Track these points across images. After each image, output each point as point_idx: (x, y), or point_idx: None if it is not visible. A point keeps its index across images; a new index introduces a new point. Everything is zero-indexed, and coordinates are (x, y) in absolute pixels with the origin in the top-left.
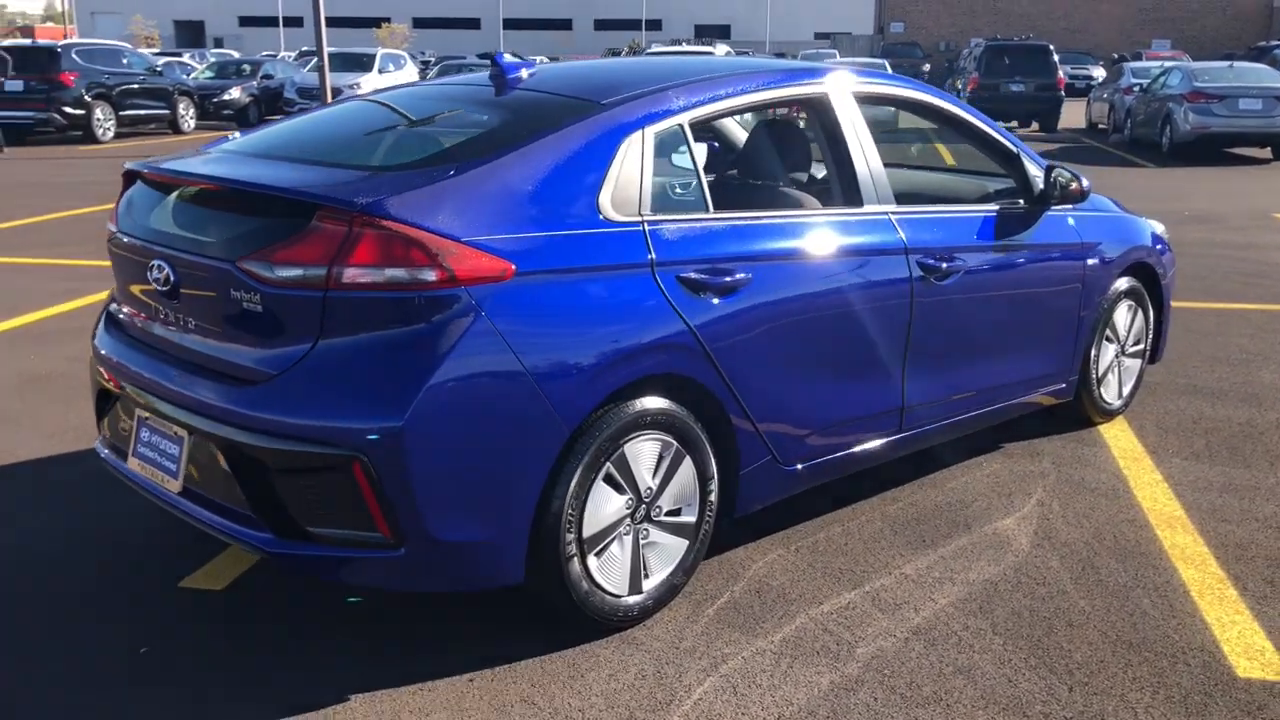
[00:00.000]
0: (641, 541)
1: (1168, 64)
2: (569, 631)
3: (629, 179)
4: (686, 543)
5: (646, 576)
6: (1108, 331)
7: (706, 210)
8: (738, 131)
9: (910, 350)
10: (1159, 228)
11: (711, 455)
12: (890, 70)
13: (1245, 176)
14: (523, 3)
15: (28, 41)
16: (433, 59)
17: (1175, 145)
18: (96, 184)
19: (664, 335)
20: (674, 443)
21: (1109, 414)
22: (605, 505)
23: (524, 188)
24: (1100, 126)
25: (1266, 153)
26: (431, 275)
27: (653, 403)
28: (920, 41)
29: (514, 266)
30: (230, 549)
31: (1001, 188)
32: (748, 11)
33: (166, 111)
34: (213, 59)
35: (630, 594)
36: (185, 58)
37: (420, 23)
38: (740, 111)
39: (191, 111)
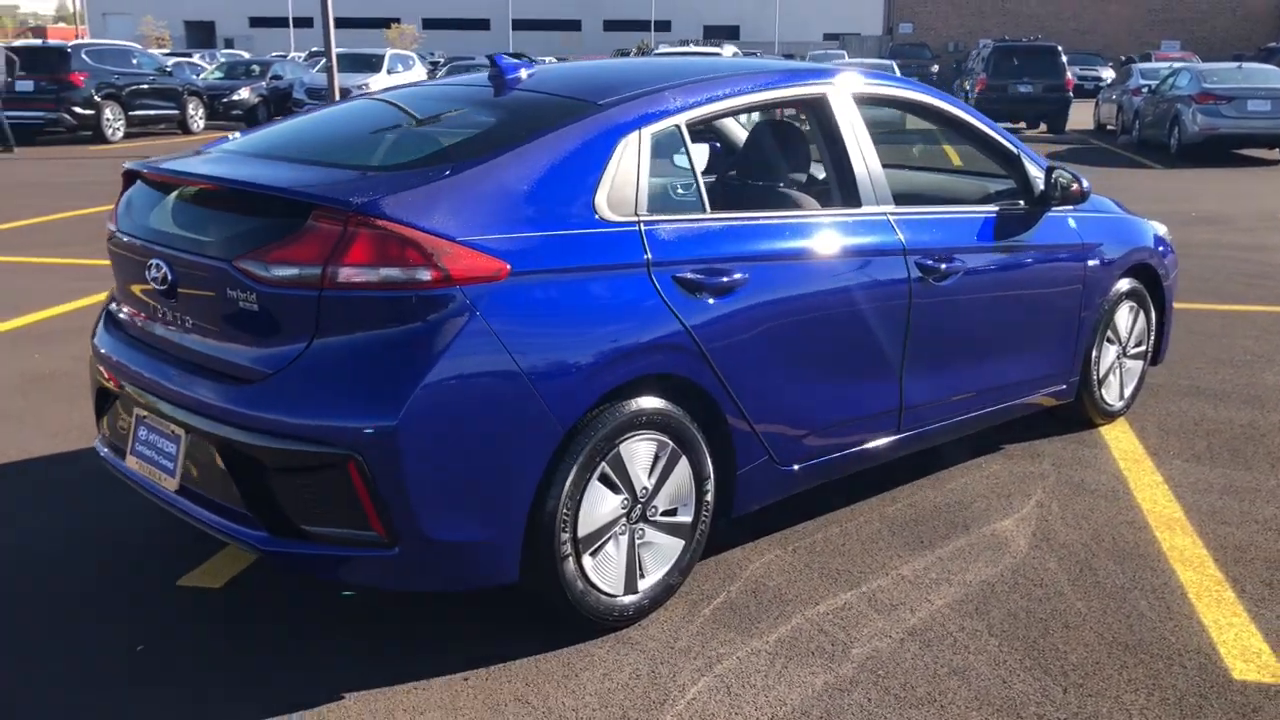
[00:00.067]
0: (637, 541)
1: (1176, 65)
2: (568, 631)
3: (625, 179)
4: (682, 543)
5: (642, 576)
6: (1109, 333)
7: (703, 210)
8: (739, 132)
9: (909, 351)
10: (1161, 229)
11: (708, 455)
12: (898, 71)
13: (1253, 178)
14: (532, 4)
15: (38, 42)
16: (442, 60)
17: (1183, 146)
18: (104, 184)
19: (659, 335)
20: (670, 443)
21: (1110, 415)
22: (600, 505)
23: (519, 188)
24: (1109, 128)
25: (1275, 154)
26: (426, 275)
27: (648, 403)
28: (929, 42)
29: (509, 266)
30: (228, 548)
31: (1002, 189)
32: (756, 12)
33: (176, 112)
34: (222, 59)
35: (626, 594)
36: (195, 58)
37: (429, 24)
38: (738, 112)
39: (201, 112)
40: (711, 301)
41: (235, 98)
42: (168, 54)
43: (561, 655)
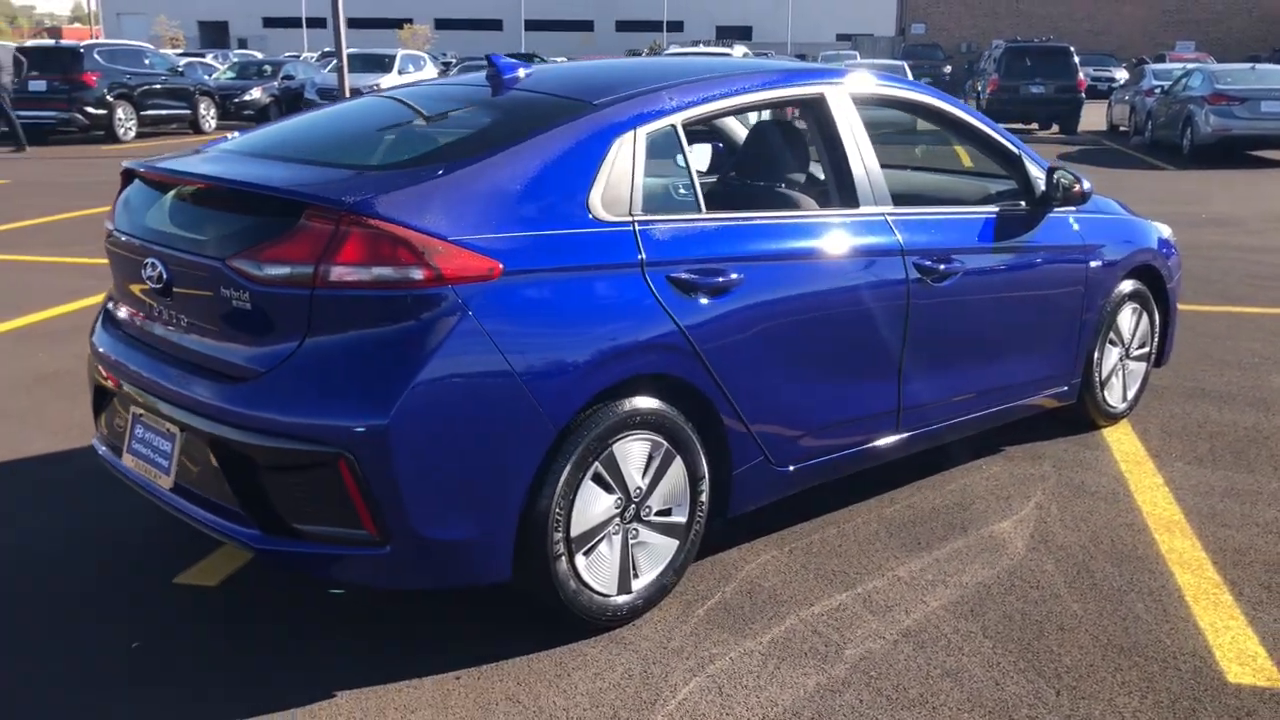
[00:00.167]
0: (631, 541)
1: (1189, 66)
2: (563, 631)
3: (619, 179)
4: (677, 543)
5: (636, 576)
6: (1111, 334)
7: (699, 211)
8: (742, 132)
9: (907, 352)
10: (1166, 231)
11: (702, 455)
12: (910, 72)
13: (1266, 179)
14: (544, 4)
15: (51, 42)
16: (454, 60)
17: (1196, 148)
18: (115, 183)
19: (653, 335)
20: (664, 443)
21: (1113, 417)
22: (594, 505)
23: (513, 187)
24: (1121, 129)
25: None
26: (418, 274)
27: (642, 403)
28: (942, 43)
29: (501, 265)
30: (225, 546)
31: (1004, 189)
32: (769, 13)
33: (188, 112)
34: (234, 60)
35: (619, 594)
36: (208, 58)
37: (442, 24)
38: (735, 112)
39: (212, 112)
40: (706, 302)
41: (247, 98)
42: (181, 54)
43: (554, 654)
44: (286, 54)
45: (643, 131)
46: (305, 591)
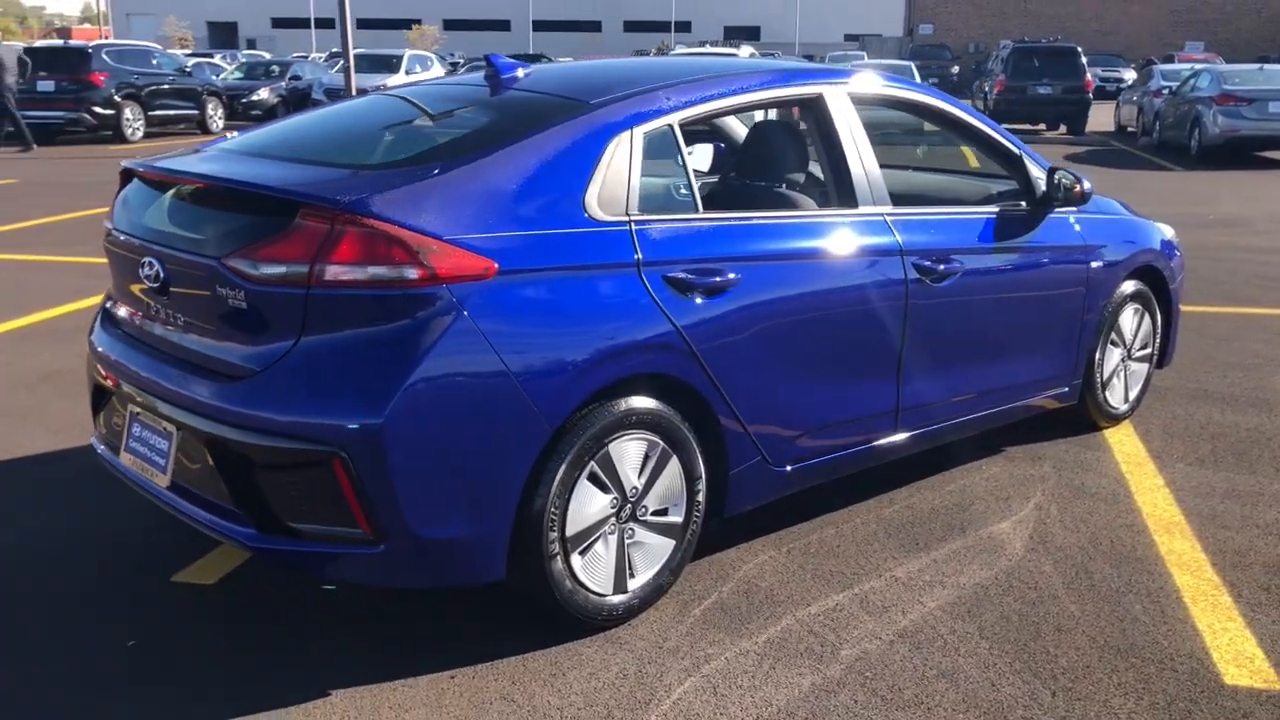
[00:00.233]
0: (627, 541)
1: (1197, 66)
2: (563, 631)
3: (616, 179)
4: (673, 543)
5: (632, 576)
6: (1113, 335)
7: (695, 210)
8: (743, 132)
9: (906, 352)
10: (1168, 231)
11: (699, 455)
12: (917, 73)
13: (1274, 180)
14: (552, 4)
15: (59, 42)
16: (462, 60)
17: (1204, 148)
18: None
19: (649, 335)
20: (660, 442)
21: (1114, 418)
22: (589, 504)
23: (508, 187)
24: (1129, 129)
25: None
26: (413, 273)
27: (638, 402)
28: (949, 43)
29: (496, 265)
30: (223, 545)
31: (1004, 189)
32: (777, 13)
33: (195, 112)
34: (242, 60)
35: (615, 593)
36: (216, 59)
37: (450, 24)
38: (733, 112)
39: (220, 112)
40: (703, 301)
41: (254, 98)
42: (189, 54)
43: (549, 654)
44: (295, 54)
45: (639, 131)
46: (303, 590)
